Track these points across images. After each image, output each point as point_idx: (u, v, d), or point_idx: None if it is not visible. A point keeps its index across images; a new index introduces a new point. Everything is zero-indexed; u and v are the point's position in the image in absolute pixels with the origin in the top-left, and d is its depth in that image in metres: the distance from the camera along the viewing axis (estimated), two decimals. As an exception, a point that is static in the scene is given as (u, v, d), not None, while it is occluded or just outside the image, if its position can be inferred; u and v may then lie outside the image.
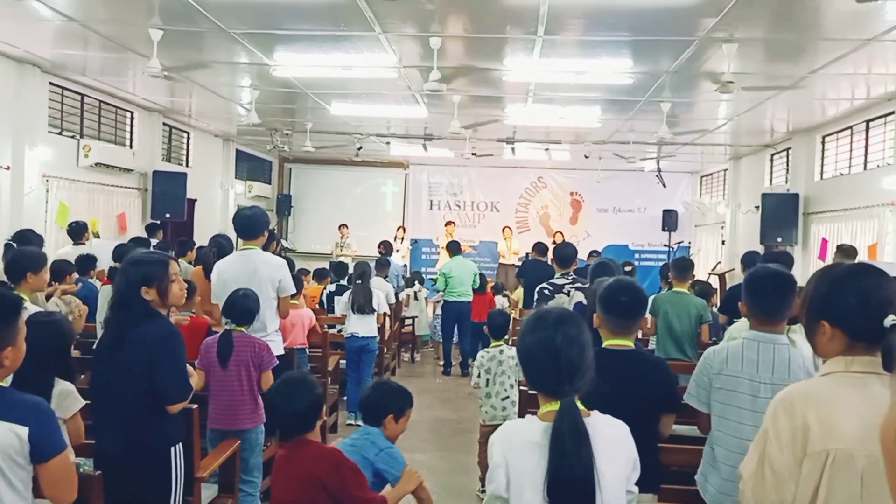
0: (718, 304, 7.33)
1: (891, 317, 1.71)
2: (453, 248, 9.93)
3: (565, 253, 6.07)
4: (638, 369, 2.84)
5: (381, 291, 7.99)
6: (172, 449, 3.08)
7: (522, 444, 1.89)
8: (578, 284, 5.66)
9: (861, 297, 1.82)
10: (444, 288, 9.61)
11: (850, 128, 9.16)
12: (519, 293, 9.17)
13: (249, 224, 4.71)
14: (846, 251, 6.92)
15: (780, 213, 10.01)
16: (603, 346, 2.87)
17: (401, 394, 3.09)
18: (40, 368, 2.90)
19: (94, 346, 3.28)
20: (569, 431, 1.83)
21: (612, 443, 1.92)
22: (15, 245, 5.64)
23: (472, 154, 11.87)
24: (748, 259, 6.58)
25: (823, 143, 9.98)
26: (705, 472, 2.90)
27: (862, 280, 1.85)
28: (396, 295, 9.71)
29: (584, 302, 5.00)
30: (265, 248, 7.72)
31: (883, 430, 1.41)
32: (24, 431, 2.05)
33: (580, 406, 1.92)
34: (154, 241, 8.70)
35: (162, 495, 3.05)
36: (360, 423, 6.82)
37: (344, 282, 8.66)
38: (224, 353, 4.06)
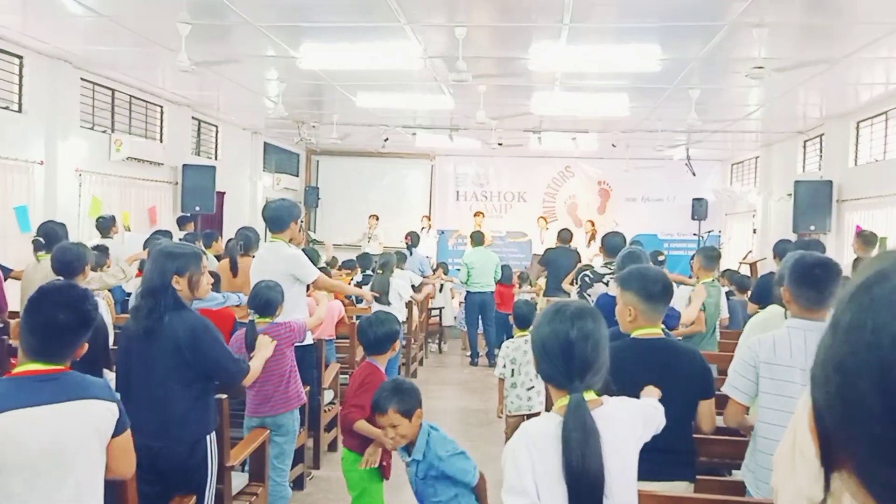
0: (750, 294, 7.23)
1: None
2: (476, 239, 9.90)
3: (613, 242, 5.95)
4: (673, 358, 2.82)
5: (403, 281, 8.02)
6: (208, 437, 3.15)
7: (543, 439, 1.91)
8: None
9: None
10: (466, 279, 9.58)
11: (886, 113, 8.95)
12: (542, 282, 9.14)
13: (274, 216, 4.76)
14: (866, 238, 6.77)
15: (814, 201, 9.83)
16: (633, 335, 2.85)
17: (411, 394, 3.12)
18: (92, 362, 2.95)
19: (120, 337, 3.32)
20: (576, 427, 1.85)
21: (623, 427, 1.95)
22: (42, 241, 5.74)
23: (499, 144, 11.82)
24: (780, 248, 6.48)
25: (858, 128, 9.77)
26: (751, 465, 2.87)
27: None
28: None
29: (608, 292, 4.97)
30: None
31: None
32: (114, 407, 2.23)
33: (593, 396, 1.94)
34: (182, 234, 8.80)
35: (198, 483, 3.11)
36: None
37: (370, 272, 8.71)
38: (250, 344, 4.11)
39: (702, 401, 2.86)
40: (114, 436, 2.23)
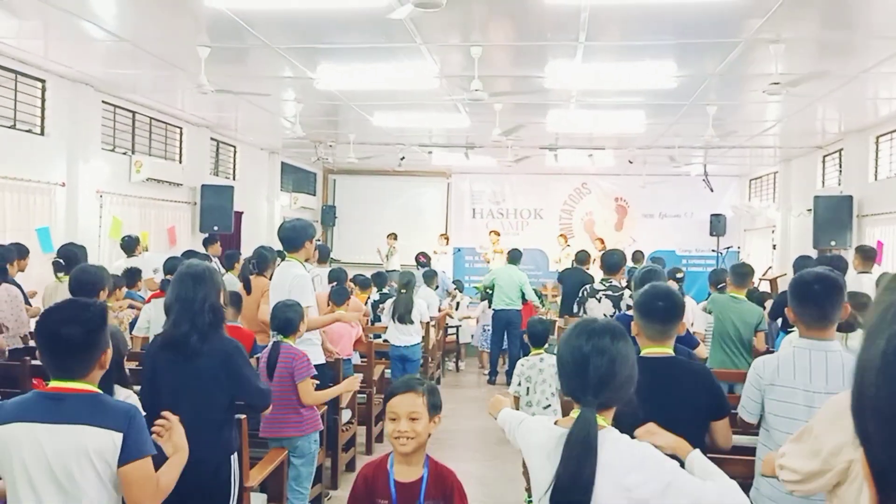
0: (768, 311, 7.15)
1: None
2: (512, 257, 9.80)
3: (612, 260, 6.11)
4: (679, 377, 2.76)
5: (425, 301, 8.03)
6: (231, 458, 3.17)
7: (534, 445, 1.96)
8: (610, 292, 5.77)
9: None
10: (489, 293, 9.56)
11: (906, 127, 8.89)
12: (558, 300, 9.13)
13: (289, 237, 4.80)
14: (866, 252, 6.69)
15: (834, 216, 9.73)
16: (641, 354, 2.82)
17: (439, 394, 3.09)
18: (104, 378, 2.98)
19: (147, 357, 3.34)
20: (577, 441, 1.85)
21: (613, 462, 1.86)
22: (62, 262, 5.81)
23: (515, 161, 11.84)
24: (800, 264, 6.40)
25: (877, 143, 9.69)
26: (759, 485, 2.83)
27: None
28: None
29: (628, 312, 4.98)
30: (321, 259, 7.86)
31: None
32: (118, 437, 2.16)
33: (602, 421, 1.92)
34: (212, 255, 8.89)
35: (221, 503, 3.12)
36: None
37: (386, 290, 8.73)
38: (270, 364, 4.13)
39: (714, 421, 2.78)
40: (121, 464, 2.17)
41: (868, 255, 6.64)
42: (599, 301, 5.79)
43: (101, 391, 2.27)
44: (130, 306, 6.35)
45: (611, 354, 1.93)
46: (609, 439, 1.89)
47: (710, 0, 5.01)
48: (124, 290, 6.48)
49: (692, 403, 2.72)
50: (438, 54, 6.54)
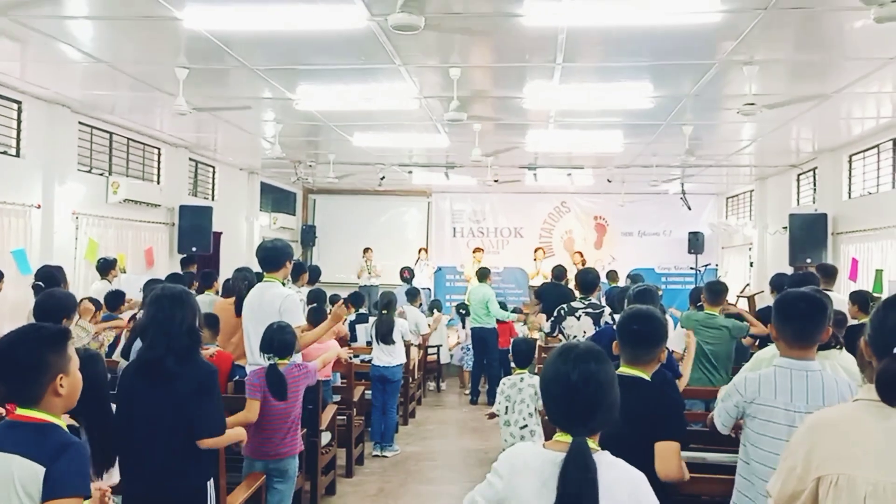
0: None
1: None
2: (480, 275, 9.92)
3: (587, 279, 6.13)
4: (636, 396, 2.66)
5: (412, 321, 8.01)
6: (208, 484, 3.12)
7: (522, 468, 1.89)
8: (590, 310, 5.78)
9: (883, 322, 1.81)
10: (462, 313, 9.66)
11: (878, 146, 9.04)
12: (537, 317, 9.09)
13: (269, 257, 4.76)
14: (826, 270, 6.75)
15: (809, 234, 9.87)
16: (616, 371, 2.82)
17: None
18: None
19: (121, 381, 3.28)
20: (577, 477, 1.79)
21: (612, 487, 1.83)
22: (42, 286, 5.72)
23: (495, 181, 11.90)
24: (777, 281, 6.49)
25: (850, 162, 9.86)
26: (739, 502, 2.83)
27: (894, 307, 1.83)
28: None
29: (613, 326, 4.97)
30: (294, 280, 7.84)
31: None
32: (40, 471, 2.02)
33: (593, 444, 1.88)
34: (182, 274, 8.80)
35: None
36: (386, 454, 6.84)
37: (364, 310, 8.69)
38: (280, 388, 4.10)
39: (657, 442, 2.67)
40: (44, 501, 2.02)
41: (829, 273, 6.72)
42: (579, 319, 5.80)
43: (56, 421, 2.15)
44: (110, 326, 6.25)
45: (599, 380, 1.90)
46: (604, 463, 1.86)
47: (685, 22, 5.09)
48: (101, 313, 6.40)
49: (638, 419, 2.56)
50: (418, 75, 6.58)
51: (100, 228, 8.82)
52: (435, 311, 10.62)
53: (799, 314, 2.75)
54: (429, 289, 13.60)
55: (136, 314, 6.12)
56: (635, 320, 2.86)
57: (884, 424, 1.72)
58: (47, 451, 2.04)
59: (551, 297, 8.54)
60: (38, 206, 7.71)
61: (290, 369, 4.21)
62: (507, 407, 5.24)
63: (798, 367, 2.70)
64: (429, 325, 10.09)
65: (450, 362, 10.91)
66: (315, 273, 9.03)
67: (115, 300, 6.71)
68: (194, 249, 10.30)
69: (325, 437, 5.54)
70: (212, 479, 3.18)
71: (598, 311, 5.83)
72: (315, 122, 8.70)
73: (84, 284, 8.04)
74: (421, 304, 9.60)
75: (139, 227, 9.76)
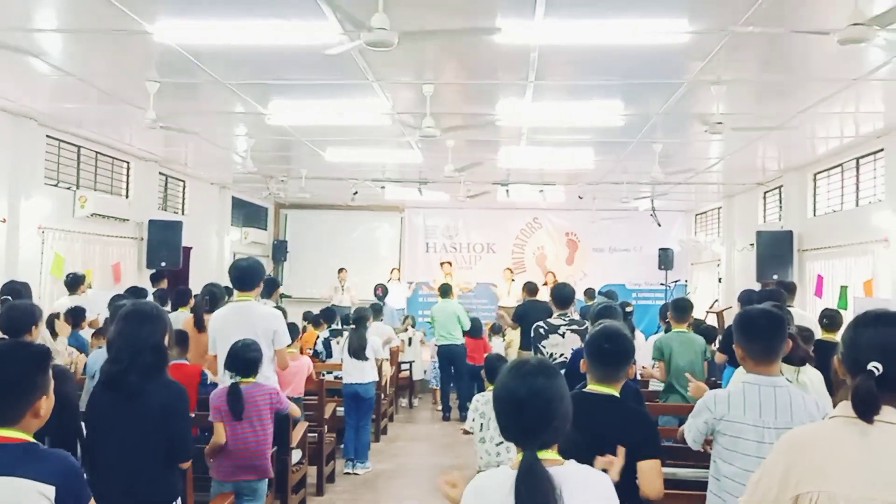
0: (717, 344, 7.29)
1: (874, 363, 1.72)
2: (443, 291, 9.89)
3: (564, 293, 6.01)
4: (612, 415, 2.75)
5: (381, 337, 7.95)
6: (176, 503, 3.08)
7: (495, 491, 1.88)
8: (574, 326, 5.62)
9: (856, 340, 1.82)
10: (433, 331, 9.59)
11: (841, 165, 9.25)
12: (514, 334, 9.10)
13: (244, 276, 4.71)
14: (787, 287, 6.84)
15: (775, 251, 10.03)
16: (585, 389, 2.84)
17: None
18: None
19: (90, 399, 3.23)
20: (527, 489, 1.80)
21: (583, 493, 1.85)
22: (10, 299, 5.61)
23: (468, 197, 11.95)
24: (745, 297, 6.56)
25: (815, 180, 10.07)
26: None
27: (869, 325, 1.84)
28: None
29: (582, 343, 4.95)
30: (268, 296, 7.76)
31: None
32: (49, 490, 2.01)
33: (553, 455, 1.89)
34: (152, 290, 8.66)
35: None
36: (357, 471, 6.78)
37: (337, 326, 8.63)
38: (237, 407, 4.04)
39: (638, 461, 2.65)
40: None
41: (790, 290, 6.82)
42: (564, 336, 5.65)
43: (33, 441, 2.12)
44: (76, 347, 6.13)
45: (546, 396, 1.91)
46: (571, 472, 1.87)
47: (655, 42, 5.17)
48: (69, 328, 6.27)
49: (621, 441, 2.60)
50: (391, 91, 6.60)
51: (66, 243, 8.67)
52: (410, 327, 10.59)
53: (761, 331, 2.81)
54: (402, 308, 13.54)
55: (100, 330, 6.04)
56: (605, 339, 2.88)
57: (861, 441, 1.74)
58: (52, 470, 2.04)
59: (532, 314, 8.50)
60: (4, 221, 7.57)
61: (251, 390, 4.14)
62: (481, 424, 5.21)
63: (766, 383, 2.74)
64: (401, 341, 10.08)
65: (423, 378, 10.86)
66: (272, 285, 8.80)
67: (77, 316, 6.56)
68: (163, 264, 10.16)
69: (296, 455, 5.47)
70: (179, 499, 3.13)
71: (582, 327, 5.67)
72: (287, 136, 8.67)
73: (49, 300, 7.88)
74: (382, 319, 9.48)
75: (107, 241, 9.61)
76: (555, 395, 1.93)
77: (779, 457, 1.85)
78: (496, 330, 10.46)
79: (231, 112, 7.57)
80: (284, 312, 7.34)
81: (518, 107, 6.97)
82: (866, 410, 1.73)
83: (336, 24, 4.82)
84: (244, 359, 4.17)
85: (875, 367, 1.71)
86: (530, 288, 8.72)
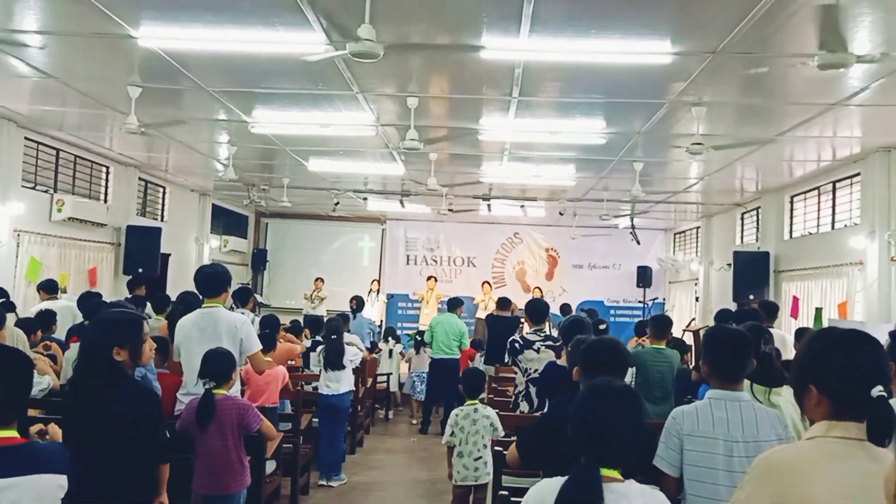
0: (692, 363, 7.34)
1: (879, 388, 1.72)
2: (451, 304, 9.76)
3: (538, 309, 6.03)
4: None
5: (353, 346, 7.89)
6: None
7: (547, 493, 1.98)
8: (549, 343, 5.64)
9: (848, 364, 1.81)
10: (430, 341, 9.49)
11: (818, 188, 9.38)
12: None
13: (210, 281, 4.63)
14: (767, 307, 6.88)
15: (752, 271, 10.14)
16: None
17: None
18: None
19: (66, 400, 3.20)
20: (572, 494, 1.91)
21: None
22: None
23: (449, 210, 11.96)
24: (722, 317, 6.62)
25: (792, 202, 10.21)
26: None
27: (851, 348, 1.84)
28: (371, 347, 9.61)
29: (557, 361, 4.96)
30: (244, 304, 7.69)
31: (885, 482, 1.41)
32: (63, 480, 2.18)
33: (614, 474, 1.97)
34: (127, 296, 8.54)
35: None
36: (332, 484, 6.72)
37: (319, 337, 8.56)
38: (203, 416, 3.95)
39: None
40: None
41: (770, 310, 6.86)
42: (538, 352, 5.67)
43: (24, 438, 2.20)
44: (47, 346, 6.01)
45: (616, 414, 2.03)
46: (632, 490, 1.96)
47: (637, 62, 5.24)
48: (40, 334, 6.16)
49: None
50: (375, 103, 6.61)
51: (42, 247, 8.56)
52: (390, 339, 10.53)
53: (729, 351, 2.87)
54: (381, 321, 13.50)
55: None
56: (600, 351, 2.91)
57: (841, 459, 1.74)
58: (62, 462, 2.22)
59: (497, 327, 8.52)
60: (-22, 222, 7.47)
61: (221, 401, 4.08)
62: (460, 439, 5.19)
63: (731, 398, 2.80)
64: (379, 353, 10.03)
65: (399, 390, 10.80)
66: (245, 294, 8.73)
67: (46, 320, 6.42)
68: (140, 271, 10.06)
69: (270, 466, 5.41)
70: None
71: (557, 343, 5.69)
72: (270, 145, 8.64)
73: (23, 305, 7.76)
74: (349, 331, 9.39)
75: (83, 246, 9.50)
76: (625, 415, 2.06)
77: (761, 484, 1.81)
78: (478, 345, 10.42)
79: (214, 119, 7.53)
80: (275, 321, 7.30)
81: (502, 122, 7.01)
82: (884, 437, 1.73)
83: (322, 34, 4.83)
84: (217, 367, 4.11)
85: (881, 392, 1.72)
86: (502, 304, 8.71)
